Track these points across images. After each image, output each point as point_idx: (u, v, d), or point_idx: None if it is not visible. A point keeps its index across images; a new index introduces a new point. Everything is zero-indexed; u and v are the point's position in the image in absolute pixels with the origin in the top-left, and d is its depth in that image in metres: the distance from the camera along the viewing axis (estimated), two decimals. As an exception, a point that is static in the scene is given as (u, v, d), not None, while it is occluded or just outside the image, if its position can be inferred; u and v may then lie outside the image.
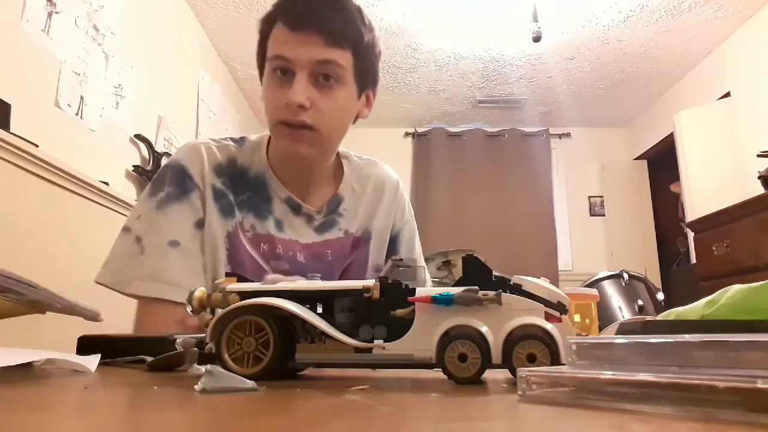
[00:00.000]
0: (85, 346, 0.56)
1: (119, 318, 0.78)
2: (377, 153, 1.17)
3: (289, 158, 0.92)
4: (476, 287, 0.41)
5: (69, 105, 1.95)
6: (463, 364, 0.40)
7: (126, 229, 0.87)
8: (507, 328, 0.40)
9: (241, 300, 0.44)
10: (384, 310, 0.43)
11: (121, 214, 1.89)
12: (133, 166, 2.43)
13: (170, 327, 0.76)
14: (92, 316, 0.57)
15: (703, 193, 3.33)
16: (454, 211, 4.60)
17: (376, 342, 0.42)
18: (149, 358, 0.51)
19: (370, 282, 0.44)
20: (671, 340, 0.27)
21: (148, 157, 2.53)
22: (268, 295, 0.44)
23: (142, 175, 2.44)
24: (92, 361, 0.46)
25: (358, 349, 0.42)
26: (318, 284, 0.46)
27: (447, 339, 0.40)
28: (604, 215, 4.71)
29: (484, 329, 0.40)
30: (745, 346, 0.24)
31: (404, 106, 4.47)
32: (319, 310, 0.45)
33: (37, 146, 1.52)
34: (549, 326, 0.40)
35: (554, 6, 3.09)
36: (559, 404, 0.29)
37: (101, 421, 0.26)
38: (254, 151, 0.95)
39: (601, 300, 1.54)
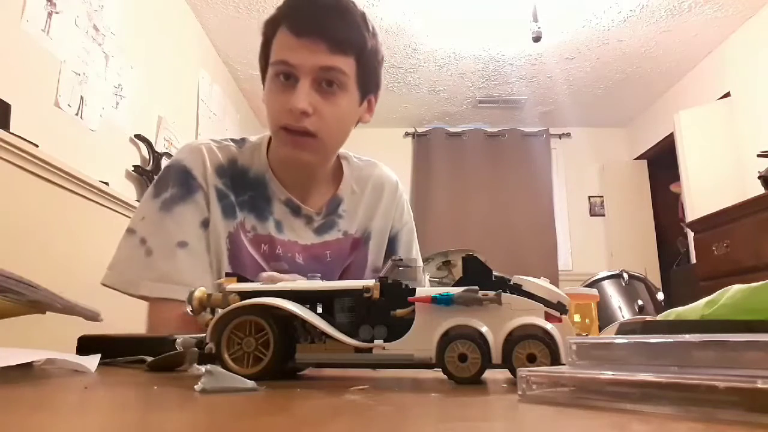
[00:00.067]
0: (85, 346, 0.57)
1: (119, 318, 0.78)
2: (377, 153, 1.17)
3: (289, 163, 0.92)
4: (476, 287, 0.41)
5: (69, 105, 1.95)
6: (463, 364, 0.40)
7: (130, 231, 0.87)
8: (507, 328, 0.40)
9: (241, 300, 0.44)
10: (384, 310, 0.43)
11: (121, 214, 1.90)
12: (133, 166, 2.43)
13: (184, 326, 0.76)
14: (92, 316, 0.57)
15: (703, 193, 3.33)
16: (454, 211, 4.60)
17: (376, 342, 0.42)
18: (149, 358, 0.51)
19: (370, 282, 0.44)
20: (671, 340, 0.27)
21: (148, 157, 2.53)
22: (268, 295, 0.44)
23: (142, 175, 2.44)
24: (92, 361, 0.46)
25: (358, 349, 0.42)
26: (318, 284, 0.46)
27: (447, 339, 0.40)
28: (604, 215, 4.71)
29: (484, 329, 0.40)
30: (745, 346, 0.24)
31: (404, 106, 4.47)
32: (319, 310, 0.45)
33: (37, 146, 1.52)
34: (549, 326, 0.40)
35: (554, 6, 3.09)
36: (559, 404, 0.29)
37: (101, 421, 0.26)
38: (254, 152, 0.95)
39: (601, 300, 1.54)
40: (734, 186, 3.17)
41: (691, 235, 3.21)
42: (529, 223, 4.54)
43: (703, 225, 2.66)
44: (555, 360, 0.39)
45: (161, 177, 0.90)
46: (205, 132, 3.28)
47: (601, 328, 0.97)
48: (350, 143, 0.94)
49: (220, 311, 0.44)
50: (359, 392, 0.35)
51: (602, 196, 4.76)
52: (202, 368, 0.36)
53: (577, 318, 0.85)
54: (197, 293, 0.46)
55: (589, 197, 4.80)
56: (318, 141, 0.85)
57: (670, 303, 1.95)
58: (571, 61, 3.73)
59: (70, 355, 0.51)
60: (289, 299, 0.43)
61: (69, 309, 0.55)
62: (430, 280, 0.48)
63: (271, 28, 0.86)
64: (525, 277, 0.43)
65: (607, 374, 0.27)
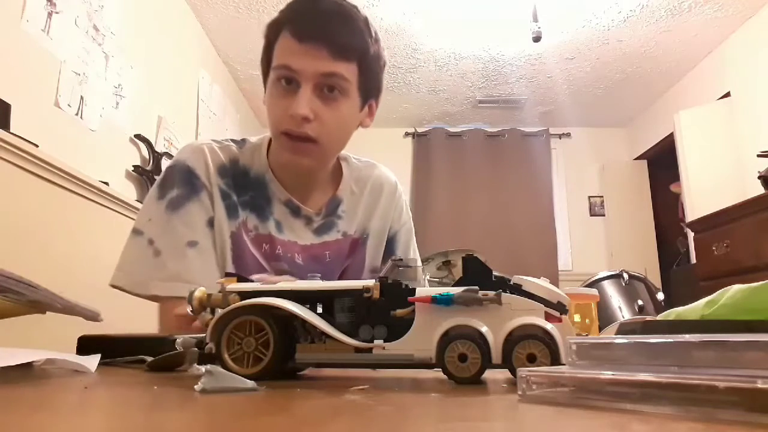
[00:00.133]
0: (85, 346, 0.57)
1: (119, 318, 0.78)
2: (377, 153, 1.17)
3: (290, 167, 0.92)
4: (476, 287, 0.41)
5: (69, 105, 1.95)
6: (463, 364, 0.40)
7: (137, 232, 0.86)
8: (507, 328, 0.40)
9: (241, 300, 0.44)
10: (384, 310, 0.43)
11: (121, 214, 1.90)
12: (133, 166, 2.43)
13: (198, 325, 0.76)
14: (92, 316, 0.57)
15: (703, 193, 3.33)
16: (454, 211, 4.60)
17: (376, 342, 0.42)
18: (149, 358, 0.51)
19: (370, 282, 0.44)
20: (671, 340, 0.27)
21: (148, 157, 2.53)
22: (268, 296, 0.44)
23: (142, 175, 2.45)
24: (92, 361, 0.46)
25: (358, 349, 0.42)
26: (318, 284, 0.46)
27: (447, 339, 0.40)
28: (604, 215, 4.71)
29: (484, 329, 0.40)
30: (745, 346, 0.24)
31: (404, 106, 4.47)
32: (319, 310, 0.45)
33: (37, 146, 1.53)
34: (549, 326, 0.40)
35: (554, 6, 3.09)
36: (559, 404, 0.29)
37: (101, 422, 0.26)
38: (255, 152, 0.95)
39: (601, 300, 1.54)
40: (734, 186, 3.17)
41: (691, 235, 3.21)
42: (529, 223, 4.54)
43: (703, 225, 2.66)
44: (555, 360, 0.39)
45: (165, 178, 0.90)
46: (205, 132, 3.28)
47: (601, 328, 0.97)
48: (350, 143, 0.94)
49: (220, 311, 0.44)
50: (359, 392, 0.35)
51: (602, 196, 4.76)
52: (202, 368, 0.36)
53: (577, 318, 0.85)
54: (197, 293, 0.46)
55: (589, 197, 4.80)
56: (318, 146, 0.85)
57: (670, 303, 1.95)
58: (571, 61, 3.73)
59: (70, 355, 0.51)
60: (289, 299, 0.43)
61: (69, 309, 0.55)
62: (429, 280, 0.48)
63: (273, 32, 0.86)
64: (525, 277, 0.43)
65: (607, 374, 0.27)
